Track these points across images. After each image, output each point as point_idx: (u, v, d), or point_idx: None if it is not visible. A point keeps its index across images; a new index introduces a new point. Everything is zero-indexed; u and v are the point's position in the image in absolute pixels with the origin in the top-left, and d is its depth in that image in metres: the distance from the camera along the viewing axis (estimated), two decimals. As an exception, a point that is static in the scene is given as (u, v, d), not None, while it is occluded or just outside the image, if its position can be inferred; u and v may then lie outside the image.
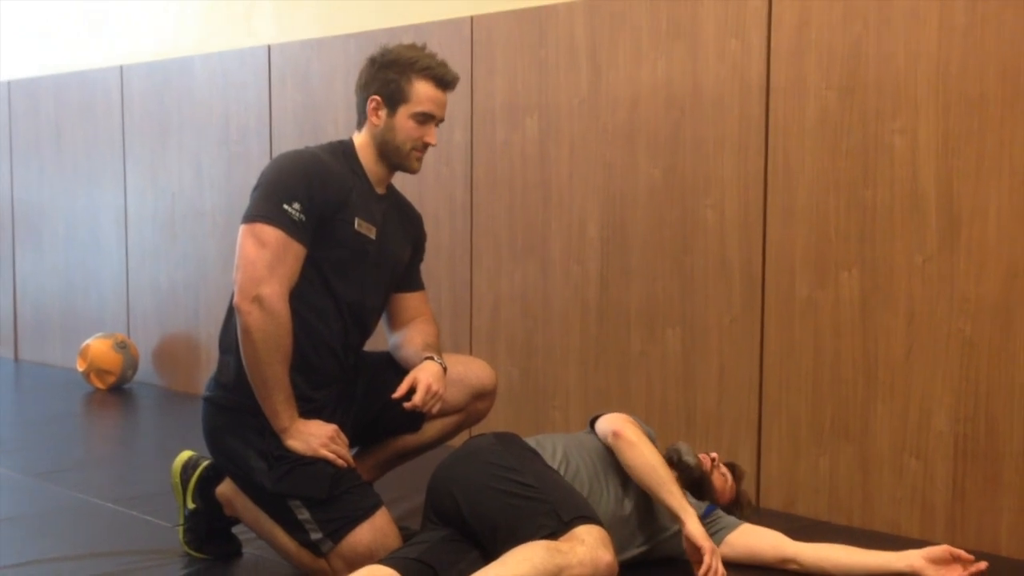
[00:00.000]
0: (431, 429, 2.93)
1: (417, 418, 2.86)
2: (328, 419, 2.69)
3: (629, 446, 2.64)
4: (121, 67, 5.59)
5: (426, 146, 2.77)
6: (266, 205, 2.60)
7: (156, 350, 5.50)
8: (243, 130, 4.98)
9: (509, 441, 2.64)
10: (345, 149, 2.79)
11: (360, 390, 2.84)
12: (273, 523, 2.67)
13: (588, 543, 2.29)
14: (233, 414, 2.67)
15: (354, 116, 2.83)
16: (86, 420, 4.98)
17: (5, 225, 6.37)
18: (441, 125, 2.83)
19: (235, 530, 2.90)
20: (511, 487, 2.43)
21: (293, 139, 4.56)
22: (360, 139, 2.79)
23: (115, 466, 4.08)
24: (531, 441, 2.68)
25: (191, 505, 2.85)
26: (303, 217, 2.60)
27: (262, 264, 2.55)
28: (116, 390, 5.36)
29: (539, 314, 3.93)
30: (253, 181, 2.72)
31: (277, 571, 2.72)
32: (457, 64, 2.81)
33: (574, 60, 3.77)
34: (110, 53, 5.73)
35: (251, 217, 2.61)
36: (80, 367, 5.36)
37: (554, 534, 2.30)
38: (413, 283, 2.97)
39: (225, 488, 2.80)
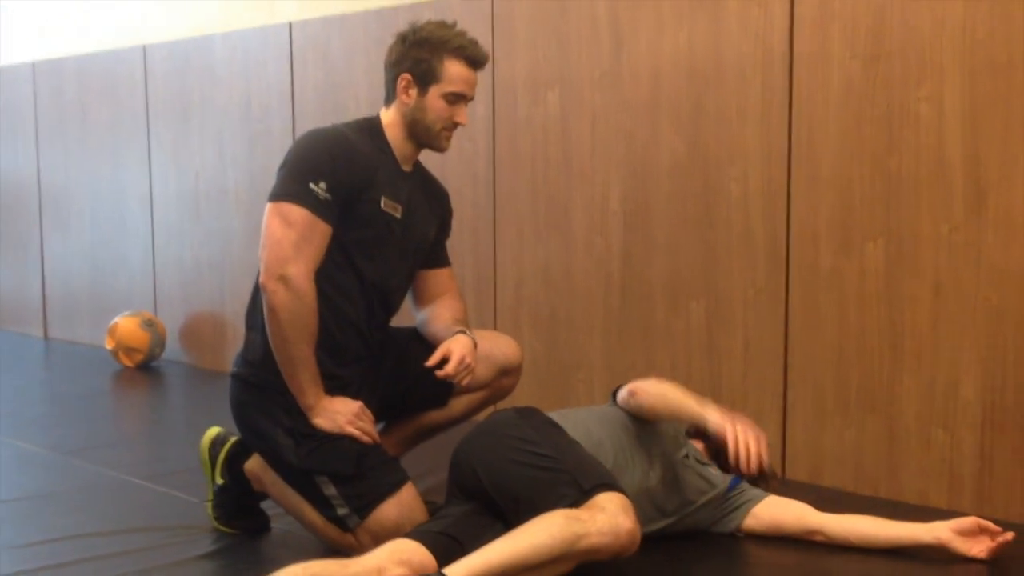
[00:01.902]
0: (457, 405, 2.95)
1: (444, 393, 2.87)
2: (354, 396, 2.70)
3: (644, 394, 2.69)
4: (144, 46, 5.60)
5: (456, 125, 2.76)
6: (292, 184, 2.60)
7: (183, 328, 5.53)
8: (265, 108, 4.98)
9: (530, 415, 2.65)
10: (372, 126, 2.77)
11: (387, 366, 2.85)
12: (300, 499, 2.69)
13: (609, 510, 2.29)
14: (260, 391, 2.68)
15: (376, 93, 2.82)
16: (115, 398, 5.03)
17: (32, 206, 6.42)
18: (464, 101, 2.82)
19: (263, 505, 2.92)
20: (531, 459, 2.44)
21: (315, 117, 4.56)
22: (388, 116, 2.78)
23: (144, 443, 4.12)
24: (554, 415, 2.68)
25: (219, 481, 2.88)
26: (329, 196, 2.59)
27: (288, 243, 2.56)
28: (144, 368, 5.41)
29: (563, 288, 3.92)
30: (276, 159, 2.72)
31: (305, 546, 2.73)
32: (478, 39, 2.80)
33: (595, 33, 3.75)
34: (133, 33, 5.74)
35: (277, 196, 2.61)
36: (108, 345, 5.41)
37: (575, 503, 2.31)
38: (439, 260, 2.97)
39: (253, 464, 2.82)
